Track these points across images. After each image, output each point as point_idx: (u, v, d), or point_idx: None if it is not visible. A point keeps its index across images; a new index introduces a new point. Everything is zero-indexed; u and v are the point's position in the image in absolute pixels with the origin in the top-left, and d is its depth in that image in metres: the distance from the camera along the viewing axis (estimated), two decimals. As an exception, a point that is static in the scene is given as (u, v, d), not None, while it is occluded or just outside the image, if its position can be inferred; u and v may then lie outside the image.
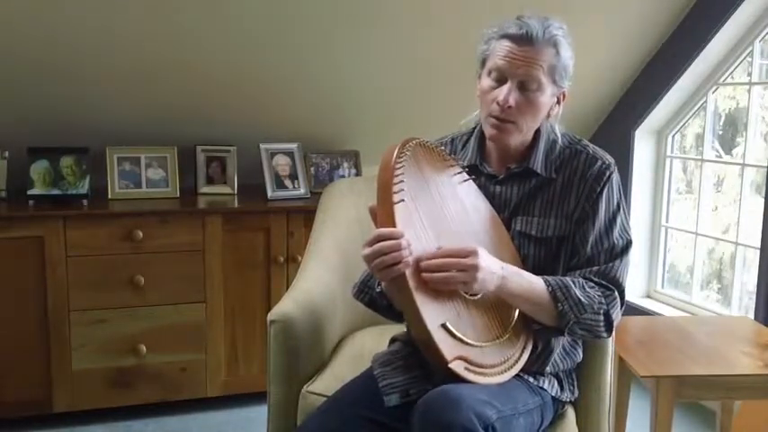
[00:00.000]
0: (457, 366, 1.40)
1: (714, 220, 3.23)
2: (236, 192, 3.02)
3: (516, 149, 1.66)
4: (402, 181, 1.42)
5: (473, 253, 1.43)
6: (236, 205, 2.89)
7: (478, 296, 1.49)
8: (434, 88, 3.10)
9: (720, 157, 3.18)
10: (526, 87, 1.56)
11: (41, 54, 2.60)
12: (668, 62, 3.14)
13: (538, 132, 1.66)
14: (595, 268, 1.59)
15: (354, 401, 1.56)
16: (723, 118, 3.18)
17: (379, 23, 2.81)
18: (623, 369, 2.26)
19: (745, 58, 2.98)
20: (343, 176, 3.14)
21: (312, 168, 3.15)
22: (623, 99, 3.43)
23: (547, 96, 1.59)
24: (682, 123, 3.32)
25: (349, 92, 3.05)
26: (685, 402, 2.82)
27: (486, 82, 1.60)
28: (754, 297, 2.78)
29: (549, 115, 1.64)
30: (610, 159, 1.65)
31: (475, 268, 1.42)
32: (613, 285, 1.59)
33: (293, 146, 3.08)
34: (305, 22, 2.72)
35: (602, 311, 1.56)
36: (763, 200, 2.71)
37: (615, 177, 1.64)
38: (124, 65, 2.72)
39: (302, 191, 3.03)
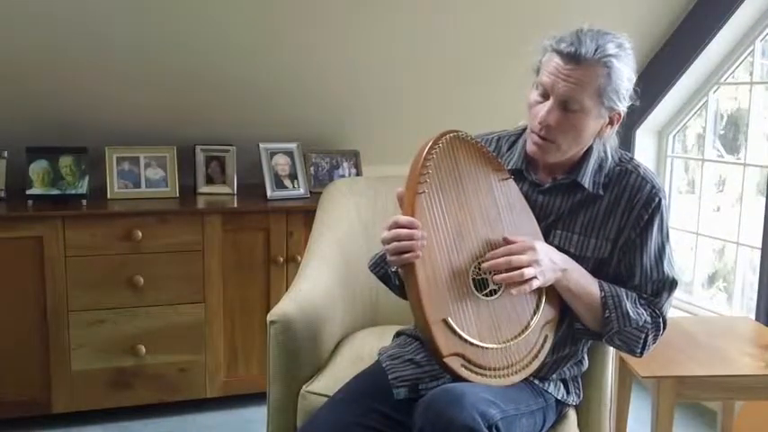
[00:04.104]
0: (452, 362, 1.41)
1: (716, 221, 3.22)
2: (235, 192, 3.01)
3: (564, 162, 1.60)
4: (428, 172, 1.45)
5: (531, 249, 1.45)
6: (235, 205, 2.88)
7: (493, 298, 1.48)
8: (435, 88, 3.10)
9: (722, 156, 3.17)
10: (568, 107, 1.49)
11: (41, 54, 2.60)
12: (669, 61, 3.13)
13: (590, 147, 1.60)
14: (644, 295, 1.59)
15: (364, 394, 1.57)
16: (725, 118, 3.17)
17: (379, 23, 2.80)
18: (624, 369, 2.25)
19: (746, 57, 2.97)
20: (343, 176, 3.13)
21: (312, 168, 3.15)
22: (624, 99, 3.42)
23: (592, 118, 1.51)
24: (683, 123, 3.31)
25: (349, 92, 3.04)
26: (686, 402, 2.81)
27: (533, 95, 1.55)
28: (755, 297, 2.78)
29: (600, 135, 1.57)
30: (660, 184, 1.60)
31: (537, 264, 1.44)
32: (659, 315, 1.59)
33: (293, 145, 3.07)
34: (304, 21, 2.72)
35: (645, 331, 1.56)
36: (764, 200, 2.70)
37: (665, 204, 1.58)
38: (123, 65, 2.71)
39: (302, 191, 3.02)
